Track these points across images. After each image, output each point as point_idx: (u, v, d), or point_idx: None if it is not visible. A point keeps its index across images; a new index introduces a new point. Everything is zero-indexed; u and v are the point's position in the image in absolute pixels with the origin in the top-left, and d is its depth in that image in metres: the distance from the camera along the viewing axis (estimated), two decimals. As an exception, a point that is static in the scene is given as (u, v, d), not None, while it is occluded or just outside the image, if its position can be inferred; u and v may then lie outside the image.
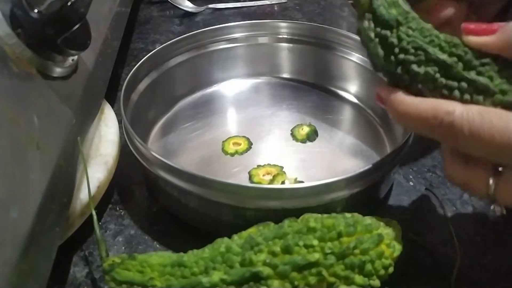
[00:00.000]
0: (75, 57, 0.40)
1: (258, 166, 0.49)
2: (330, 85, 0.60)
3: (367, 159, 0.50)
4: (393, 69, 0.33)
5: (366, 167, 0.39)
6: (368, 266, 0.33)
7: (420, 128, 0.32)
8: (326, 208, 0.37)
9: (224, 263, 0.33)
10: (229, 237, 0.36)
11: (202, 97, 0.60)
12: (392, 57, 0.33)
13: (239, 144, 0.52)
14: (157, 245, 0.42)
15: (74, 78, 0.40)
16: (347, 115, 0.58)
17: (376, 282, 0.33)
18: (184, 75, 0.58)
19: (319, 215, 0.35)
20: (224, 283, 0.33)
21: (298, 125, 0.54)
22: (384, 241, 0.34)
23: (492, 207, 0.46)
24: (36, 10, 0.33)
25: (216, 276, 0.33)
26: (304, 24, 0.60)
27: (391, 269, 0.34)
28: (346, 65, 0.58)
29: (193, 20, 0.83)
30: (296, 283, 0.32)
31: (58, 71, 0.37)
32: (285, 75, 0.63)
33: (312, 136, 0.53)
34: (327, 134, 0.54)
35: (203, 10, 0.85)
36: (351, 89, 0.59)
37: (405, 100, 0.32)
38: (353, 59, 0.57)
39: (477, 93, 0.30)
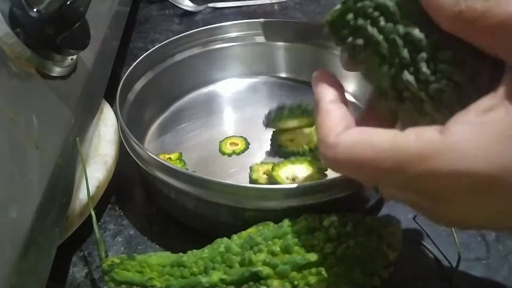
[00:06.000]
0: (74, 57, 0.40)
1: (262, 162, 0.48)
2: (327, 84, 0.60)
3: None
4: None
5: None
6: (368, 266, 0.33)
7: None
8: (326, 207, 0.37)
9: (224, 263, 0.33)
10: (229, 237, 0.36)
11: (199, 97, 0.60)
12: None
13: (237, 144, 0.52)
14: (157, 246, 0.42)
15: (73, 78, 0.40)
16: (344, 114, 0.57)
17: (376, 281, 0.33)
18: (180, 74, 0.58)
19: (319, 214, 0.35)
20: (223, 283, 0.33)
21: (295, 124, 0.54)
22: (384, 241, 0.34)
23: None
24: (35, 9, 0.33)
25: (215, 276, 0.33)
26: (301, 23, 0.60)
27: (391, 269, 0.34)
28: (343, 64, 0.58)
29: (192, 19, 0.83)
30: (296, 282, 0.32)
31: (57, 70, 0.37)
32: (282, 75, 0.63)
33: (309, 135, 0.53)
34: (325, 134, 0.53)
35: (203, 9, 0.85)
36: (348, 88, 0.59)
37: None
38: (351, 58, 0.57)
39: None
